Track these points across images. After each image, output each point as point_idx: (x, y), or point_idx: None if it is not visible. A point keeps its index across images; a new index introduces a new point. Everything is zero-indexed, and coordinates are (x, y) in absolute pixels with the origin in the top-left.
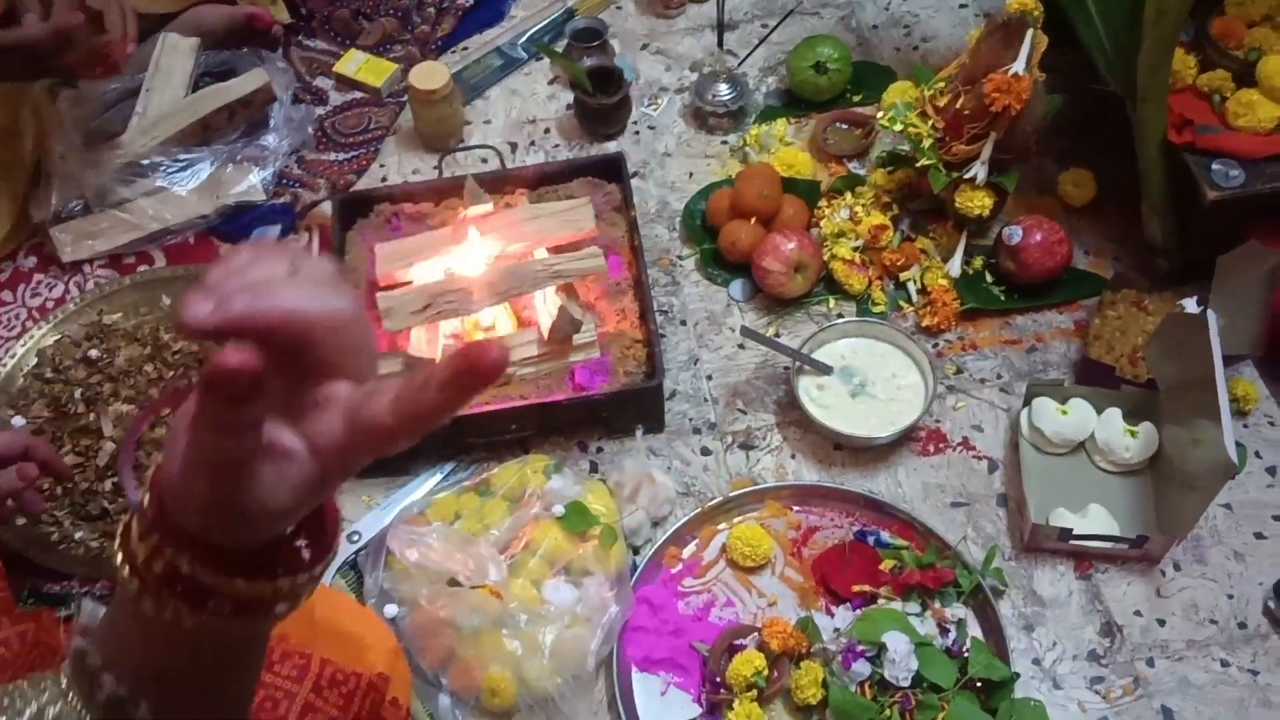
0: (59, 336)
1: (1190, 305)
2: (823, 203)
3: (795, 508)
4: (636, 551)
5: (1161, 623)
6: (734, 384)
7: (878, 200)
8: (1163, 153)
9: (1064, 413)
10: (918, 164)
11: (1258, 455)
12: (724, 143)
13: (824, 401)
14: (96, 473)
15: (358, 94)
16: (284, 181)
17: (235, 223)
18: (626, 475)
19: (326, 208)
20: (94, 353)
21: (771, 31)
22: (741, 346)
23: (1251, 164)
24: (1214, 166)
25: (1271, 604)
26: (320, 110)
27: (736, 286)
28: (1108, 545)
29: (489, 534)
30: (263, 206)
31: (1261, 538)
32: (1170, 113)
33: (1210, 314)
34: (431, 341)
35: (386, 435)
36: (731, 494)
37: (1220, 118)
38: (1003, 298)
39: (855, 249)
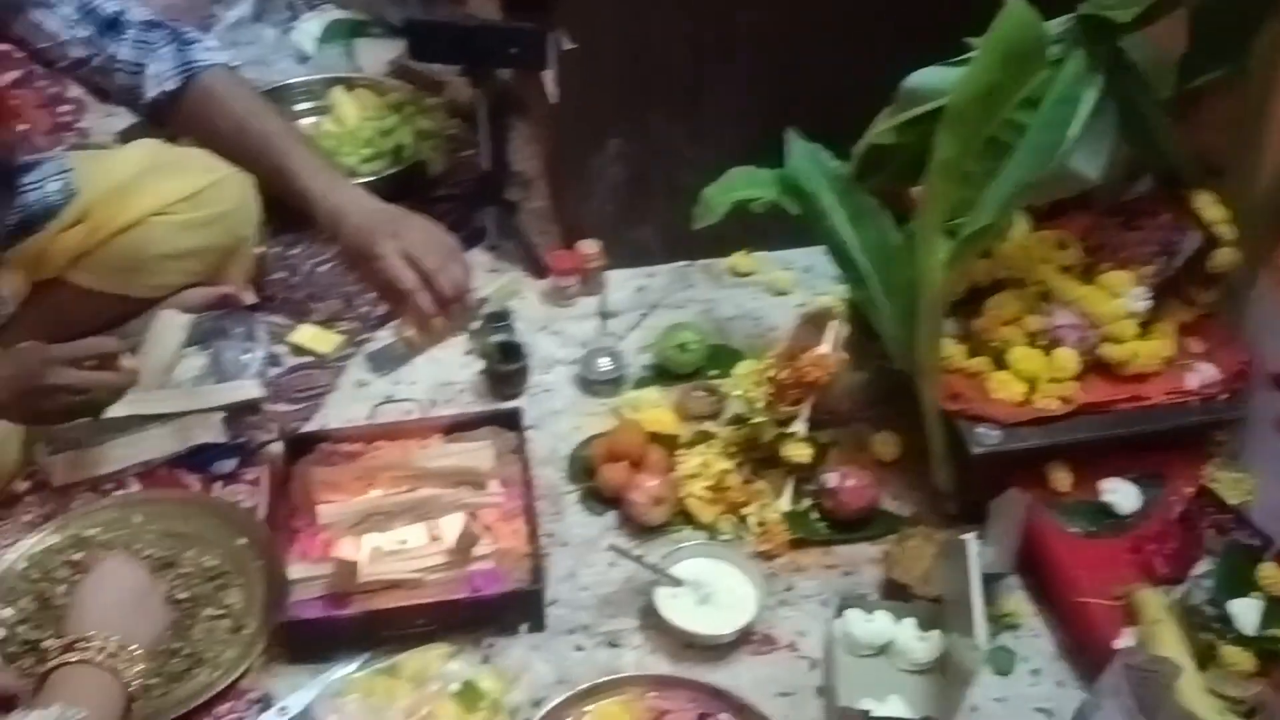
0: (45, 546)
1: (971, 538)
2: (682, 452)
3: (651, 694)
4: None
5: None
6: (604, 594)
7: (725, 451)
8: (940, 418)
9: (870, 621)
10: (754, 422)
11: (1024, 660)
12: (604, 404)
13: (677, 608)
14: None
15: (307, 358)
16: (243, 425)
17: (198, 457)
18: (512, 663)
19: (277, 447)
20: (76, 556)
21: (644, 319)
22: (612, 564)
23: (1006, 428)
24: (978, 430)
25: None
26: (276, 369)
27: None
28: None
29: (396, 707)
30: (223, 445)
31: None
32: (944, 387)
33: (969, 540)
34: (357, 549)
35: None
36: (599, 681)
37: (982, 392)
38: (824, 531)
39: (706, 488)
